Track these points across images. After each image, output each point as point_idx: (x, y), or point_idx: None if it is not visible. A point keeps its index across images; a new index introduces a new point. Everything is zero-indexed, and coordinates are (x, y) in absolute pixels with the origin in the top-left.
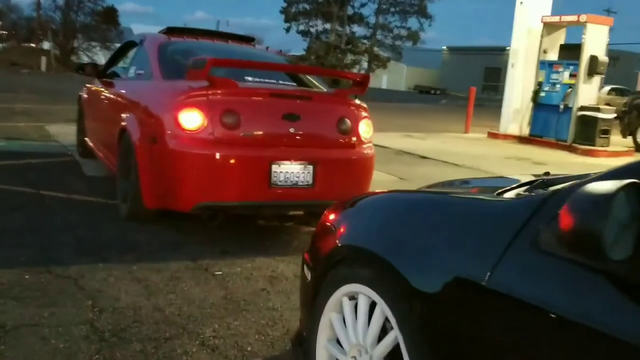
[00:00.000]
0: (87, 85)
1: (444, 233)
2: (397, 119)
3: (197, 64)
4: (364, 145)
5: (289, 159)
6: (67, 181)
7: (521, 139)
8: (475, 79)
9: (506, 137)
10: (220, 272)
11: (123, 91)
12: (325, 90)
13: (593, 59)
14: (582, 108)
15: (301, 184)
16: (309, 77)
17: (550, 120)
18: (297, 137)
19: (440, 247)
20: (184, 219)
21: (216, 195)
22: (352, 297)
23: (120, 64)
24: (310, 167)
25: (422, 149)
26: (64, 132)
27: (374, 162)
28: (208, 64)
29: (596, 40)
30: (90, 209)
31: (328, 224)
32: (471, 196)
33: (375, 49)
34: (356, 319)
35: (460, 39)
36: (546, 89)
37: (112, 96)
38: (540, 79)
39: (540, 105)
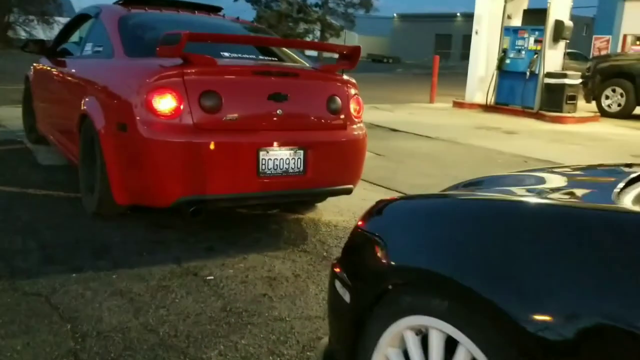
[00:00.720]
0: (35, 64)
1: (571, 256)
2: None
3: (170, 39)
4: (356, 126)
5: (277, 145)
6: (20, 173)
7: (487, 108)
8: (427, 47)
9: (472, 106)
10: (212, 277)
11: (80, 71)
12: (310, 65)
13: (558, 24)
14: (549, 74)
15: (292, 171)
16: (287, 51)
17: (516, 88)
18: (286, 120)
19: (569, 276)
20: (158, 211)
21: (199, 188)
22: (419, 331)
23: (72, 40)
24: (301, 152)
25: (392, 121)
26: (11, 116)
27: (366, 143)
28: (183, 38)
29: (561, 5)
30: (50, 204)
31: (368, 232)
32: (590, 204)
33: (328, 17)
34: (426, 358)
35: (411, 6)
36: (511, 55)
37: (67, 77)
38: (505, 46)
39: (506, 73)
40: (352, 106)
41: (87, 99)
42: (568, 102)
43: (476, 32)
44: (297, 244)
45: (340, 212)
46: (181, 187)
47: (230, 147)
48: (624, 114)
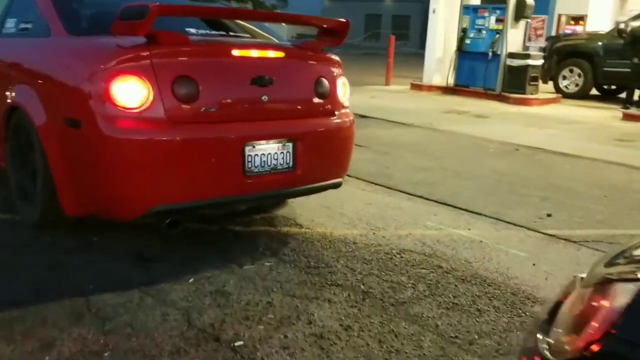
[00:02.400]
0: None
1: None
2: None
3: (134, 13)
4: (344, 111)
5: (264, 137)
6: None
7: (447, 90)
8: (357, 26)
9: (431, 88)
10: (242, 342)
11: (4, 53)
12: (290, 42)
13: (520, 3)
14: (511, 55)
15: (280, 167)
16: (251, 26)
17: (477, 69)
18: (271, 108)
19: None
20: (129, 228)
21: (175, 194)
22: None
23: None
24: (290, 145)
25: (356, 106)
26: None
27: (354, 131)
28: (152, 12)
29: None
30: None
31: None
32: None
33: None
34: None
35: None
36: (471, 35)
37: None
38: (464, 25)
39: (466, 53)
40: (340, 89)
41: (18, 88)
42: (531, 83)
43: (433, 11)
44: (322, 274)
45: (352, 223)
46: (153, 195)
47: (212, 143)
48: (582, 95)
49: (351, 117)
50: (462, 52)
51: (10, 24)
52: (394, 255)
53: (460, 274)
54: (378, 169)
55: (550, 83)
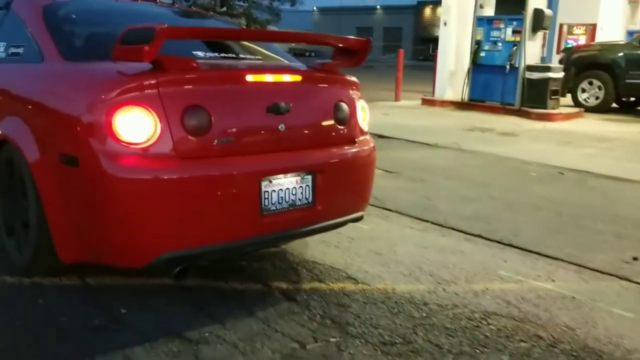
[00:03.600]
0: None
1: None
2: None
3: (138, 36)
4: (364, 137)
5: (282, 171)
6: None
7: (461, 105)
8: None
9: (444, 103)
10: None
11: None
12: (305, 64)
13: (538, 13)
14: (530, 68)
15: (299, 203)
16: (260, 46)
17: (493, 83)
18: (289, 137)
19: None
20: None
21: (186, 239)
22: None
23: None
24: (309, 178)
25: (372, 124)
26: None
27: (376, 157)
28: (159, 34)
29: None
30: None
31: None
32: None
33: (253, 11)
34: None
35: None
36: (486, 48)
37: None
38: (478, 37)
39: (480, 67)
40: (360, 114)
41: (6, 120)
42: (552, 97)
43: (444, 24)
44: (403, 354)
45: (413, 275)
46: (161, 241)
47: (226, 180)
48: (603, 108)
49: (372, 144)
50: (477, 65)
51: None
52: (480, 322)
53: (568, 347)
54: (419, 200)
55: (568, 96)
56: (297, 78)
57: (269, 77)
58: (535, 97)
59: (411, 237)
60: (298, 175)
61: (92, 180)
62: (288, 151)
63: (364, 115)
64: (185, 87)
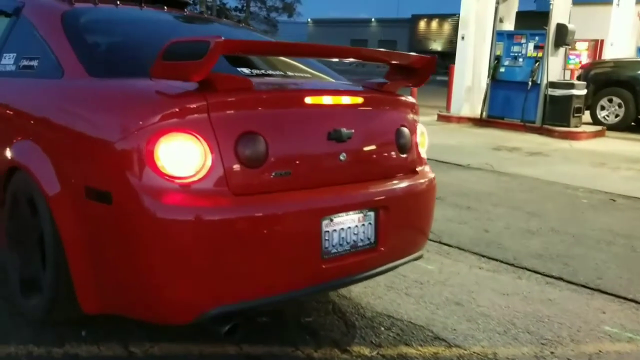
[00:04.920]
0: None
1: None
2: None
3: (190, 50)
4: (425, 167)
5: (344, 208)
6: None
7: (479, 122)
8: None
9: (460, 119)
10: None
11: (0, 97)
12: (360, 84)
13: (561, 28)
14: (553, 84)
15: (361, 244)
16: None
17: (514, 99)
18: (350, 168)
19: None
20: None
21: (240, 291)
22: None
23: None
24: (372, 215)
25: None
26: None
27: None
28: (214, 49)
29: (562, 6)
30: None
31: None
32: None
33: (250, 22)
34: None
35: (341, 12)
36: (506, 63)
37: None
38: (497, 52)
39: (500, 82)
40: (420, 139)
41: (18, 144)
42: (575, 115)
43: (462, 38)
44: None
45: (509, 332)
46: (211, 293)
47: (286, 220)
48: (623, 126)
49: (433, 175)
50: (496, 81)
51: (7, 60)
52: None
53: None
54: (477, 233)
55: (586, 113)
56: (359, 100)
57: (327, 99)
58: (557, 115)
59: (485, 280)
60: (360, 212)
61: (127, 220)
62: (349, 184)
63: (423, 140)
64: (240, 110)
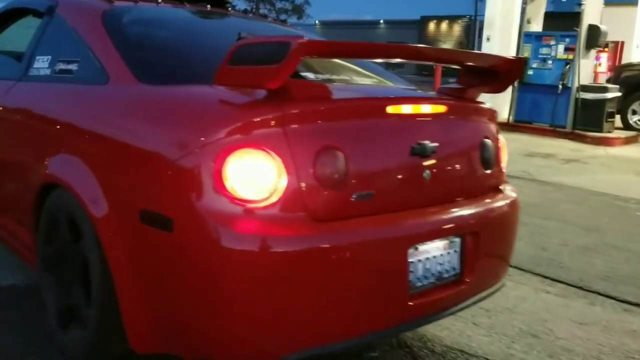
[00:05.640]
0: None
1: None
2: None
3: (265, 53)
4: (508, 186)
5: (430, 235)
6: None
7: (506, 126)
8: None
9: None
10: None
11: (32, 107)
12: (440, 91)
13: (593, 29)
14: (584, 88)
15: (446, 275)
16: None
17: (543, 103)
18: (434, 188)
19: None
20: None
21: (323, 333)
22: None
23: (4, 51)
24: (457, 242)
25: None
26: None
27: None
28: (295, 51)
29: (594, 7)
30: None
31: None
32: None
33: None
34: None
35: (348, 14)
36: (534, 66)
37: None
38: (525, 54)
39: (528, 85)
40: (502, 152)
41: (56, 158)
42: (608, 120)
43: (487, 39)
44: None
45: None
46: (290, 336)
47: (372, 250)
48: None
49: (515, 194)
50: (523, 84)
51: (41, 63)
52: None
53: None
54: (534, 251)
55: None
56: (442, 109)
57: (408, 108)
58: (589, 120)
59: (556, 307)
60: (446, 239)
61: (192, 250)
62: (433, 206)
63: (504, 154)
64: (319, 122)
